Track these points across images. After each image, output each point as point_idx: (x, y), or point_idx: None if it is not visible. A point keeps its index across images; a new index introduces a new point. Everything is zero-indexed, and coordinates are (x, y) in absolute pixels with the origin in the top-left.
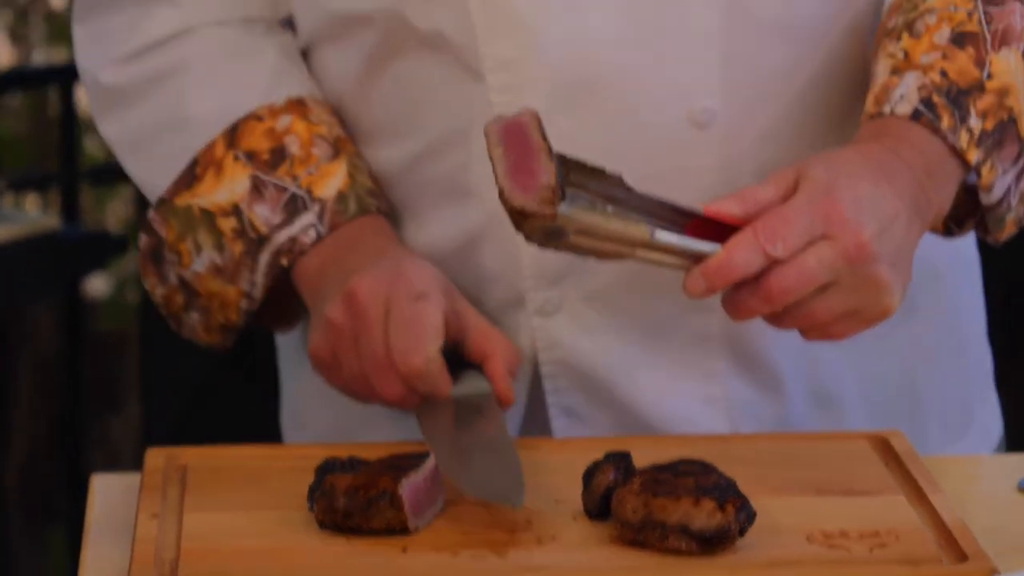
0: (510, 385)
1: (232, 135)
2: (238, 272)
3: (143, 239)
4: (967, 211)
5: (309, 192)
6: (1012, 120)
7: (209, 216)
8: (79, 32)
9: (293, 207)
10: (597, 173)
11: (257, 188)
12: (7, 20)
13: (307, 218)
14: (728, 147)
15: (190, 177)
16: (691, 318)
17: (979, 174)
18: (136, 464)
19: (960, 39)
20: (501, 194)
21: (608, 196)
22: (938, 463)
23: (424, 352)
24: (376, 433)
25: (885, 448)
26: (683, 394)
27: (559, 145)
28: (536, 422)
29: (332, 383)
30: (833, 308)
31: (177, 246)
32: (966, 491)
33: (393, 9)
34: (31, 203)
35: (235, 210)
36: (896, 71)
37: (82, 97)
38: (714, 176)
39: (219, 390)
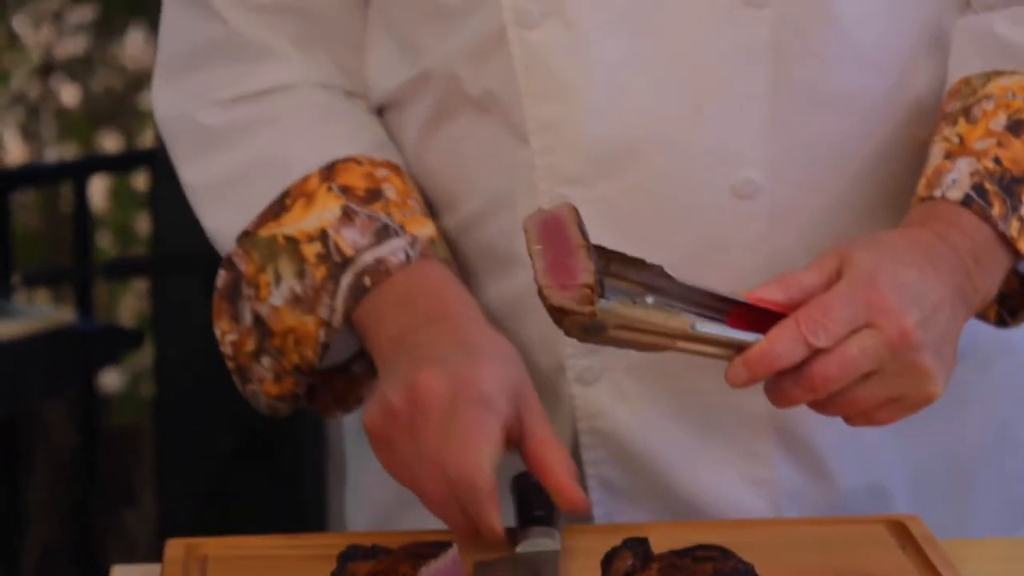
0: (577, 488)
1: (329, 172)
2: (318, 299)
3: (221, 276)
4: (1021, 301)
5: (402, 227)
6: None
7: (293, 243)
8: (172, 81)
9: (384, 234)
10: (637, 263)
11: (348, 215)
12: (19, 117)
13: (398, 243)
14: (775, 223)
15: (279, 208)
16: (735, 395)
17: None
18: (151, 557)
19: (1016, 127)
20: (540, 292)
21: (649, 285)
22: (956, 547)
23: (476, 459)
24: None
25: (902, 532)
26: (725, 474)
27: (600, 211)
28: None
29: (380, 459)
30: (877, 395)
31: (257, 278)
32: (985, 574)
33: (447, 67)
34: (42, 298)
35: (322, 235)
36: (949, 155)
37: (95, 192)
38: (761, 252)
39: (234, 484)
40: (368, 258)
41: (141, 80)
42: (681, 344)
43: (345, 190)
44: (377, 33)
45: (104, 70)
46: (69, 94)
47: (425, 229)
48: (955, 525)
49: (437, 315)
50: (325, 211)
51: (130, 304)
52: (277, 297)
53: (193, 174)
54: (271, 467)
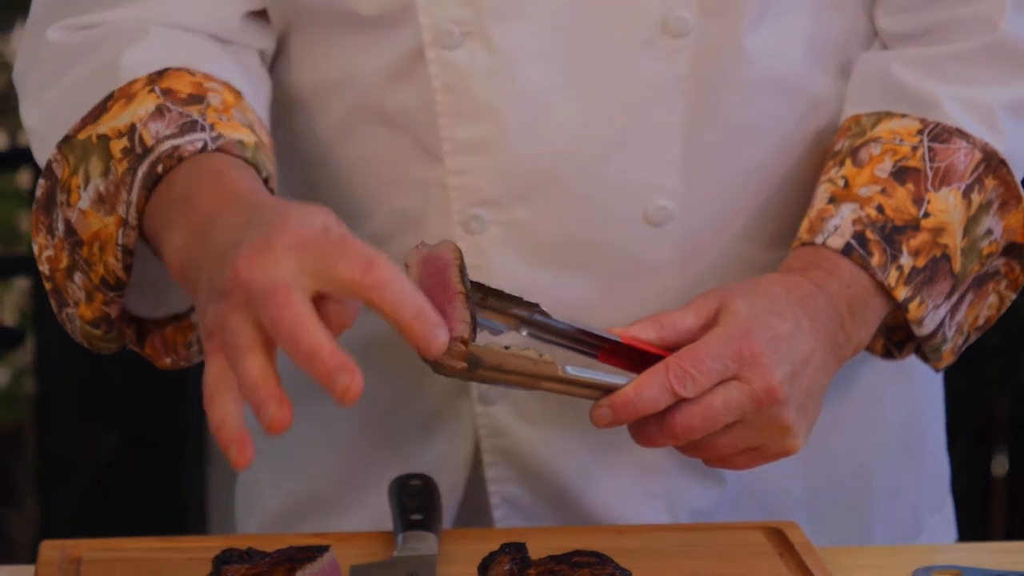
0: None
1: (157, 77)
2: (118, 195)
3: (41, 186)
4: (907, 334)
5: (212, 127)
6: (945, 257)
7: (104, 141)
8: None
9: (190, 128)
10: (514, 300)
11: (160, 111)
12: None
13: (199, 136)
14: (686, 250)
15: (100, 110)
16: None
17: (907, 309)
18: (34, 558)
19: (901, 174)
20: None
21: (525, 320)
22: (833, 554)
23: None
24: (325, 520)
25: (780, 539)
26: (623, 489)
27: (513, 233)
28: (475, 511)
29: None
30: (736, 444)
31: (69, 183)
32: None
33: (363, 79)
34: None
35: (130, 130)
36: (834, 199)
37: None
38: (671, 278)
39: (115, 485)
40: (166, 147)
41: None
42: (548, 385)
43: (167, 92)
44: (297, 26)
45: None
46: None
47: (240, 135)
48: (856, 533)
49: (220, 204)
50: (140, 107)
51: (10, 303)
52: (84, 199)
53: (32, 113)
54: (152, 469)
